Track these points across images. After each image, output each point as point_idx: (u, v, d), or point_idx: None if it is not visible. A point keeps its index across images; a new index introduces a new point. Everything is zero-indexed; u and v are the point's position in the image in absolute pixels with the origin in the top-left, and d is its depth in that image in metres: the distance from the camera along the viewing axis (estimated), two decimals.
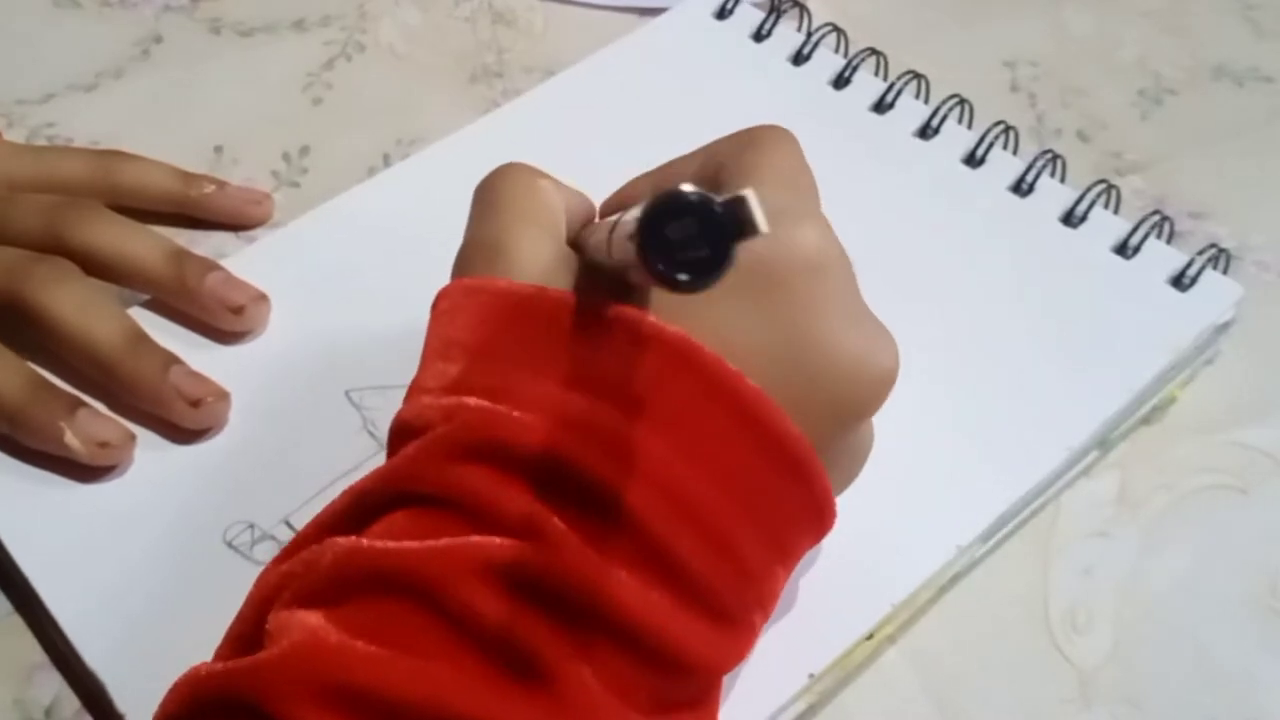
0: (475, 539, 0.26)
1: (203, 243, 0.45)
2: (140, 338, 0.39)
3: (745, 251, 0.25)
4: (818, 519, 0.30)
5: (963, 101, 0.47)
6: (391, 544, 0.27)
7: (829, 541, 0.35)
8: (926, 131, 0.47)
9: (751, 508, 0.28)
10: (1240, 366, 0.43)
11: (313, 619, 0.26)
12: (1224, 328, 0.42)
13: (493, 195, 0.32)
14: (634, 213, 0.24)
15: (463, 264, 0.31)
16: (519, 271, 0.30)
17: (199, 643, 0.34)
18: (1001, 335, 0.41)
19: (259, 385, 0.40)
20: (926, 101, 0.48)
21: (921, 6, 0.56)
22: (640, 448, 0.27)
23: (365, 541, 0.27)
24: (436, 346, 0.30)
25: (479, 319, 0.30)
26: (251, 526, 0.37)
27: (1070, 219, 0.44)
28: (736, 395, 0.28)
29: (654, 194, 0.22)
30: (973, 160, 0.46)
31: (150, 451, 0.39)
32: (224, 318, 0.41)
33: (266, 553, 0.36)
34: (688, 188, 0.22)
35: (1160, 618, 0.37)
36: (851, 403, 0.29)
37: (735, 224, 0.22)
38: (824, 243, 0.29)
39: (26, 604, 0.37)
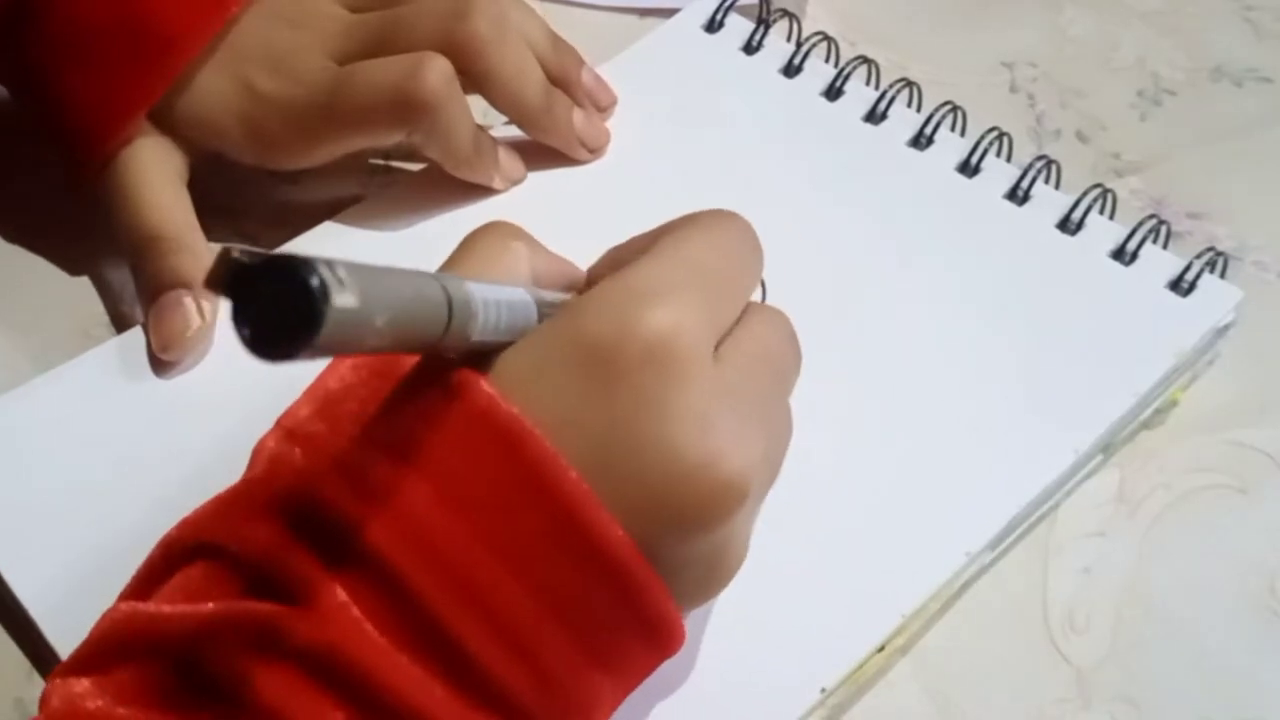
0: (248, 606, 0.26)
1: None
2: (551, 90, 0.45)
3: (584, 329, 0.25)
4: (650, 628, 0.28)
5: (956, 108, 0.47)
6: (166, 608, 0.27)
7: (836, 552, 0.36)
8: (920, 141, 0.47)
9: (559, 608, 0.26)
10: (1239, 366, 0.43)
11: (79, 686, 0.27)
12: (1224, 330, 0.42)
13: (463, 250, 0.31)
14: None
15: None
16: None
17: None
18: (1004, 343, 0.41)
19: (252, 405, 0.39)
20: (919, 109, 0.48)
21: (920, 8, 0.57)
22: (438, 532, 0.26)
23: (141, 607, 0.28)
24: (314, 382, 0.32)
25: (355, 364, 0.31)
26: None
27: (1066, 225, 0.44)
28: (553, 488, 0.26)
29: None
30: (967, 169, 0.45)
31: (140, 473, 0.38)
32: (579, 152, 0.47)
33: None
34: (237, 251, 0.20)
35: (1159, 617, 0.37)
36: (686, 511, 0.27)
37: (292, 284, 0.19)
38: (679, 328, 0.27)
39: (14, 621, 0.37)
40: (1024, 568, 0.38)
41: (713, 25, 0.51)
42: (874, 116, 0.47)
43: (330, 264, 0.20)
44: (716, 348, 0.28)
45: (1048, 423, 0.38)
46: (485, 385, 0.26)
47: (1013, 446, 0.38)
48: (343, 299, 0.20)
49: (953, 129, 0.47)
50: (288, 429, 0.31)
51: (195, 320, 0.41)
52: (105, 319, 0.45)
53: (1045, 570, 0.38)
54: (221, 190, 0.47)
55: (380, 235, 0.45)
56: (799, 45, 0.49)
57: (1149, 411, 0.41)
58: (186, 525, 0.29)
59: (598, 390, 0.26)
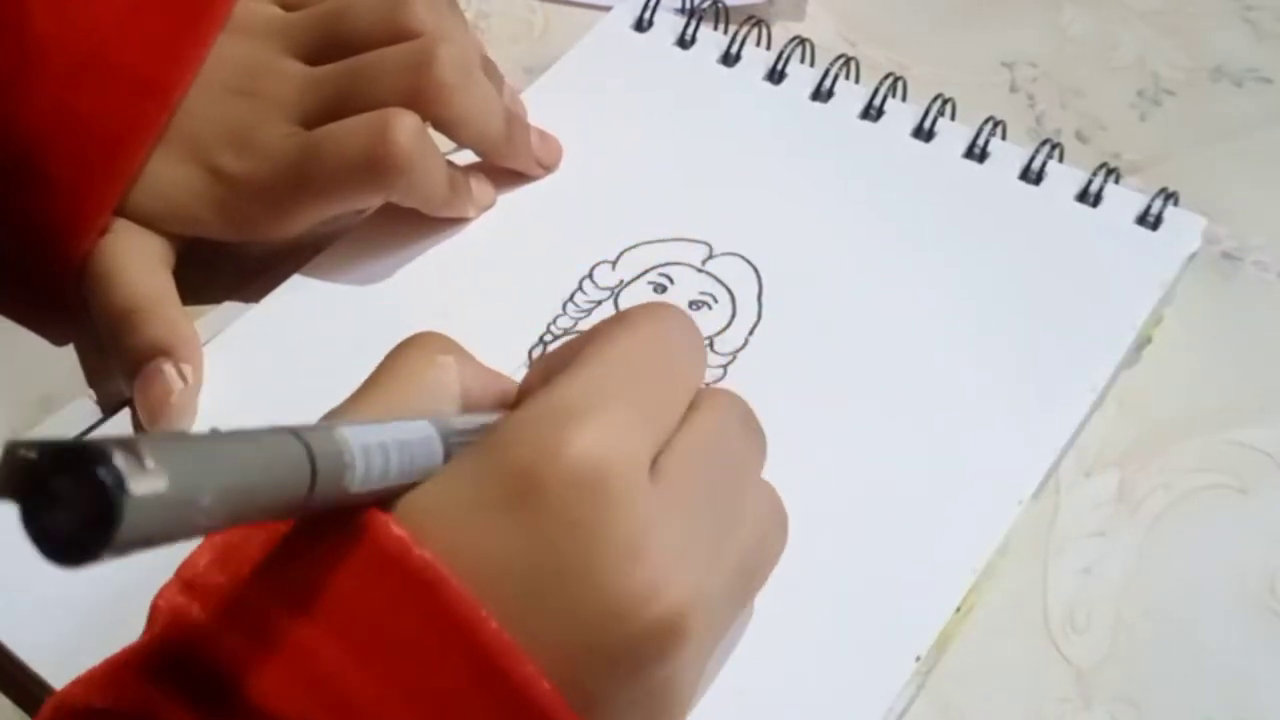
0: None
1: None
2: (510, 116, 0.44)
3: (502, 458, 0.24)
4: None
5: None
6: None
7: (899, 525, 0.37)
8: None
9: None
10: (1239, 366, 0.43)
11: None
12: (1191, 258, 0.44)
13: (385, 369, 0.29)
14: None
15: None
16: None
17: None
18: (1014, 300, 0.42)
19: None
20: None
21: (920, 8, 0.56)
22: (348, 683, 0.24)
23: None
24: None
25: None
26: None
27: (1028, 177, 0.45)
28: (473, 639, 0.24)
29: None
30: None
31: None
32: (537, 171, 0.46)
33: None
34: (23, 447, 0.17)
35: (1159, 617, 0.37)
36: (620, 652, 0.25)
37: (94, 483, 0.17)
38: (606, 450, 0.25)
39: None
40: (1024, 567, 0.38)
41: (641, 24, 0.51)
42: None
43: (134, 444, 0.17)
44: (656, 458, 0.26)
45: (1065, 368, 0.40)
46: (394, 527, 0.24)
47: (1037, 395, 0.40)
48: (145, 485, 0.17)
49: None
50: (186, 580, 0.27)
51: (177, 384, 0.39)
52: (63, 382, 0.42)
53: (1045, 570, 0.38)
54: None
55: (358, 275, 0.44)
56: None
57: (1131, 349, 0.42)
58: (77, 686, 0.26)
59: (520, 524, 0.25)
